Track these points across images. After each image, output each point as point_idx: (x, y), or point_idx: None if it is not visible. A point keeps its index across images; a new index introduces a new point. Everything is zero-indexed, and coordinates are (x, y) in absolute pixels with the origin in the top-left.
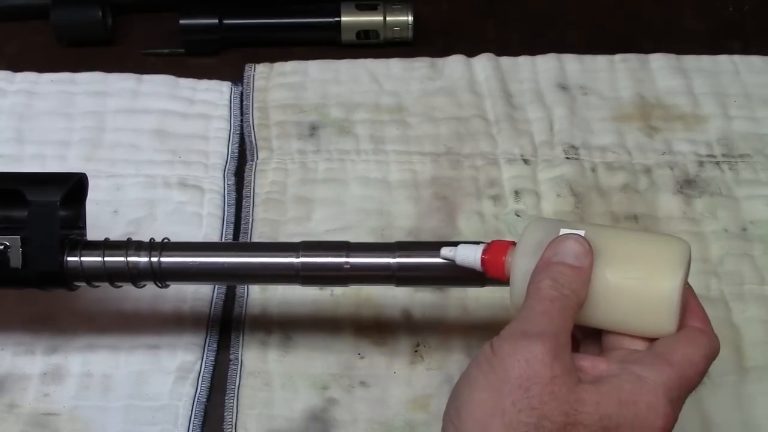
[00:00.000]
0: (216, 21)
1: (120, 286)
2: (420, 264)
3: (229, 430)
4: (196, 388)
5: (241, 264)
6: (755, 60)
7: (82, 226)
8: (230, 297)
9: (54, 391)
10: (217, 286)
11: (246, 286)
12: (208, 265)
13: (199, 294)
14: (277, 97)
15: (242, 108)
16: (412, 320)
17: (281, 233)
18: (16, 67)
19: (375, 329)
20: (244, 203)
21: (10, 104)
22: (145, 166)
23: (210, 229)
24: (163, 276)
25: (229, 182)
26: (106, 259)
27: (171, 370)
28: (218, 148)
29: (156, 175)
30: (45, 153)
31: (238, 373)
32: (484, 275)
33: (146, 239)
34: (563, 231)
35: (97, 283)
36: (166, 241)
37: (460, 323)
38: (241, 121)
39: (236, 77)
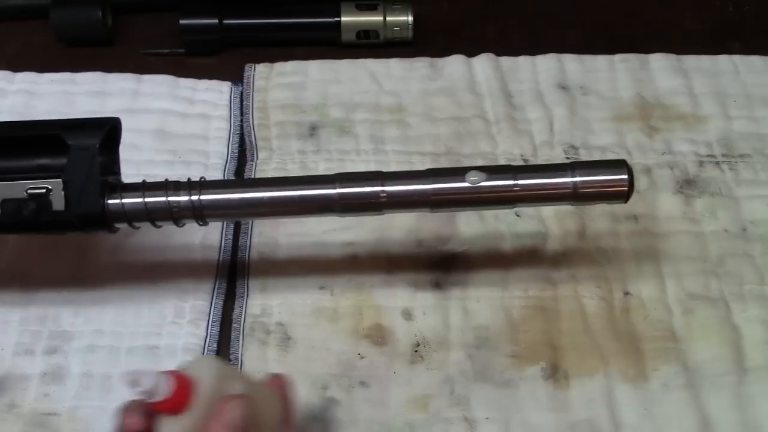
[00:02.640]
0: (216, 21)
1: (160, 226)
2: (452, 189)
3: None
4: None
5: (281, 197)
6: (755, 60)
7: (117, 171)
8: (230, 297)
9: (54, 391)
10: (217, 285)
11: (245, 285)
12: (248, 200)
13: (200, 294)
14: (277, 97)
15: (242, 108)
16: (412, 320)
17: (281, 233)
18: (16, 67)
19: (375, 329)
20: None
21: (10, 104)
22: (145, 166)
23: (210, 228)
24: (203, 213)
25: None
26: (147, 199)
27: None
28: (218, 148)
29: (156, 175)
30: None
31: None
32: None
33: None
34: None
35: (137, 224)
36: (203, 179)
37: (460, 323)
38: (241, 121)
39: (236, 77)
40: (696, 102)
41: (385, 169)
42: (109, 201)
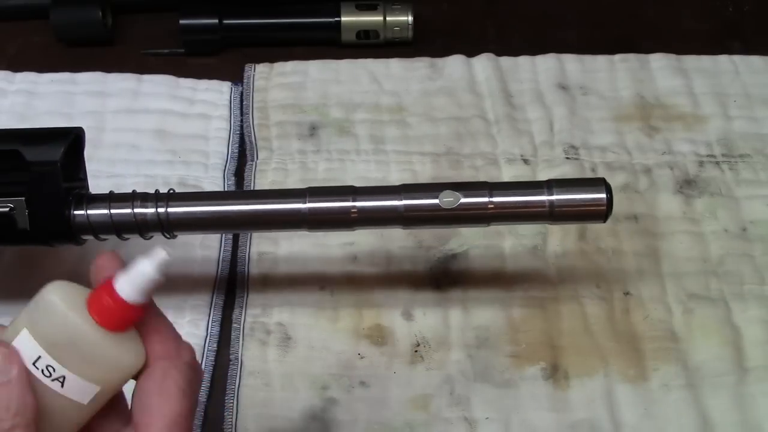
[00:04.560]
0: (216, 21)
1: (127, 239)
2: (425, 205)
3: (229, 430)
4: None
5: (249, 211)
6: (755, 60)
7: (83, 177)
8: (230, 297)
9: None
10: (216, 285)
11: (245, 285)
12: (215, 213)
13: (199, 294)
14: (277, 97)
15: (242, 108)
16: (412, 320)
17: (281, 233)
18: (16, 67)
19: (375, 329)
20: None
21: (10, 104)
22: (145, 166)
23: None
24: (170, 226)
25: (229, 182)
26: (113, 211)
27: None
28: (218, 148)
29: (156, 175)
30: None
31: (238, 373)
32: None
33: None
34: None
35: (104, 236)
36: (171, 191)
37: (460, 323)
38: (241, 121)
39: (236, 77)
40: (696, 102)
41: (385, 169)
42: (75, 213)
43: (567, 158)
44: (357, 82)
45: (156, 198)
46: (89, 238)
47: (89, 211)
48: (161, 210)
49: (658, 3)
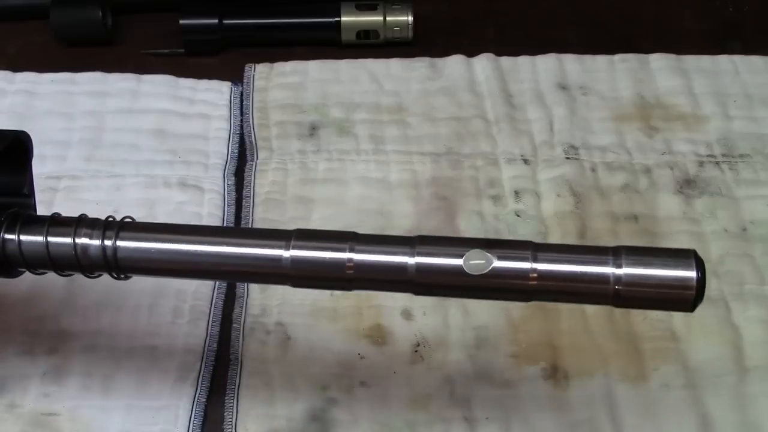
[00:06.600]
0: (216, 21)
1: (69, 275)
2: (445, 267)
3: (229, 430)
4: (196, 388)
5: (218, 256)
6: (755, 60)
7: (27, 194)
8: (230, 297)
9: (54, 391)
10: (217, 284)
11: (245, 285)
12: (174, 254)
13: (199, 294)
14: (277, 97)
15: (242, 108)
16: (412, 320)
17: None
18: (16, 67)
19: (375, 329)
20: (244, 203)
21: (10, 104)
22: (145, 166)
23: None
24: (119, 266)
25: (229, 182)
26: (50, 239)
27: (171, 370)
28: (218, 148)
29: (156, 175)
30: (45, 153)
31: (238, 373)
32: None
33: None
34: None
35: (41, 270)
36: (127, 220)
37: (460, 323)
38: (241, 121)
39: (236, 77)
40: (696, 102)
41: (385, 169)
42: (6, 237)
43: (567, 158)
44: (357, 82)
45: (105, 226)
46: (24, 271)
47: (22, 237)
48: (108, 243)
49: (658, 3)
